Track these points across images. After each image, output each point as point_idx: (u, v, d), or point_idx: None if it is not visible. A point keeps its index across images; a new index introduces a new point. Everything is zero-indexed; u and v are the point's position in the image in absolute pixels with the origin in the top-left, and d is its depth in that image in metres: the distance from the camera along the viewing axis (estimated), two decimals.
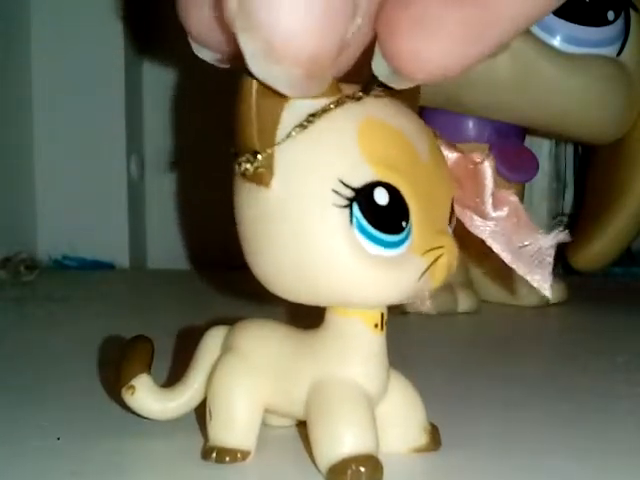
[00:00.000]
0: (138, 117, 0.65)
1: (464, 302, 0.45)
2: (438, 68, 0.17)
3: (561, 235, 0.20)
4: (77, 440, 0.23)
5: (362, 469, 0.19)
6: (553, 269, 0.20)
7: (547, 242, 0.20)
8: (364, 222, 0.18)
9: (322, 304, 0.20)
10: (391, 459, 0.21)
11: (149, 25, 0.64)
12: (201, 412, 0.23)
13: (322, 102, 0.18)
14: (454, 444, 0.23)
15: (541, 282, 0.21)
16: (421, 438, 0.22)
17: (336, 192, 0.18)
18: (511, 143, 0.47)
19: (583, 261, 0.50)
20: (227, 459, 0.21)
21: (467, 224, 0.21)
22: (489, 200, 0.20)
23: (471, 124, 0.46)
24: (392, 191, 0.18)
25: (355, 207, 0.18)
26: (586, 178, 0.57)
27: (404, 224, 0.19)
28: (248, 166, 0.18)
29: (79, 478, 0.21)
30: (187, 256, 0.66)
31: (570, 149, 0.65)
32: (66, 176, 0.63)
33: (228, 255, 0.69)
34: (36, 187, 0.63)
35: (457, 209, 0.21)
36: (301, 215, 0.18)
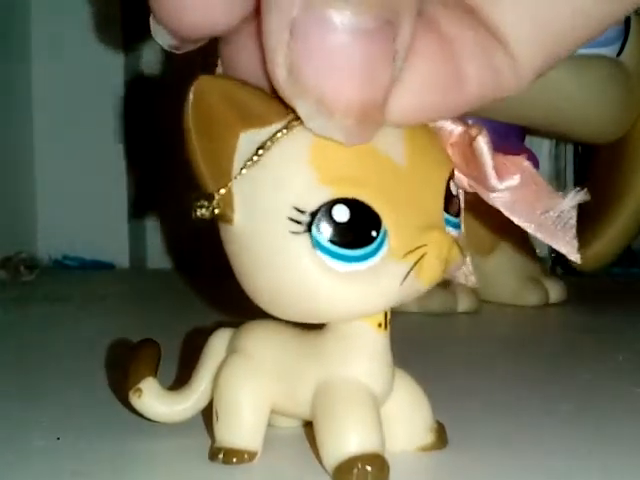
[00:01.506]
0: (138, 117, 0.65)
1: (464, 302, 0.45)
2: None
3: (580, 195, 0.20)
4: (77, 440, 0.23)
5: (368, 468, 0.19)
6: (575, 233, 0.20)
7: (568, 204, 0.20)
8: (327, 243, 0.18)
9: (315, 322, 0.20)
10: (397, 458, 0.21)
11: (149, 25, 0.64)
12: (207, 413, 0.23)
13: (272, 130, 0.18)
14: (453, 444, 0.23)
15: (567, 246, 0.20)
16: (427, 437, 0.22)
17: (293, 220, 0.18)
18: (511, 143, 0.47)
19: (583, 261, 0.50)
20: (234, 460, 0.21)
21: (485, 197, 0.20)
22: (492, 173, 0.19)
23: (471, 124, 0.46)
24: (354, 205, 0.18)
25: (315, 230, 0.18)
26: (586, 178, 0.57)
27: (374, 234, 0.18)
28: (204, 211, 0.19)
29: (79, 478, 0.21)
30: (187, 256, 0.66)
31: (570, 149, 0.65)
32: (66, 176, 0.63)
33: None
34: (36, 187, 0.63)
35: (472, 183, 0.20)
36: (266, 247, 0.19)
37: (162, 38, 0.20)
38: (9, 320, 0.43)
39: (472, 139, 0.20)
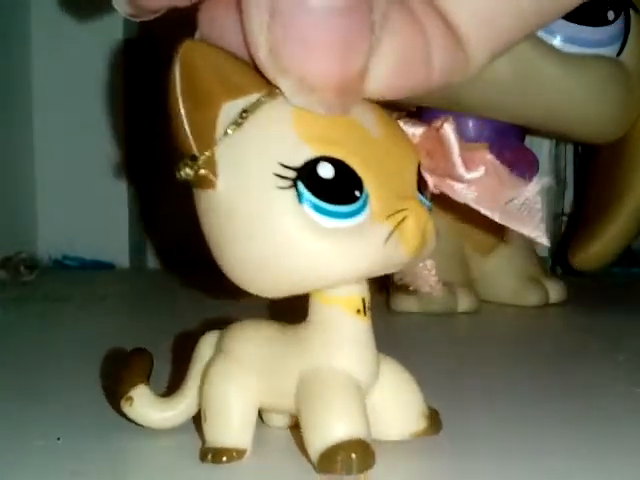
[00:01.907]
0: (138, 117, 0.65)
1: (464, 302, 0.45)
2: None
3: (543, 180, 0.20)
4: (77, 440, 0.23)
5: (353, 455, 0.19)
6: (543, 217, 0.20)
7: (532, 191, 0.20)
8: (312, 197, 0.19)
9: (292, 292, 0.20)
10: (389, 445, 0.21)
11: (149, 25, 0.64)
12: (198, 416, 0.23)
13: (254, 98, 0.19)
14: (454, 443, 0.23)
15: (535, 231, 0.21)
16: (420, 423, 0.22)
17: (279, 175, 0.19)
18: (511, 143, 0.47)
19: (583, 261, 0.50)
20: (224, 459, 0.21)
21: (450, 194, 0.21)
22: (458, 161, 0.20)
23: (471, 124, 0.46)
24: (337, 164, 0.19)
25: (300, 185, 0.19)
26: (586, 178, 0.57)
27: (357, 193, 0.19)
28: (188, 170, 0.19)
29: (79, 478, 0.21)
30: (186, 256, 0.66)
31: (570, 149, 0.65)
32: (66, 176, 0.62)
33: None
34: (36, 187, 0.63)
35: (436, 180, 0.21)
36: (250, 206, 0.19)
37: (121, 6, 0.21)
38: (9, 320, 0.43)
39: (437, 129, 0.20)
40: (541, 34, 0.44)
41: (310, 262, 0.19)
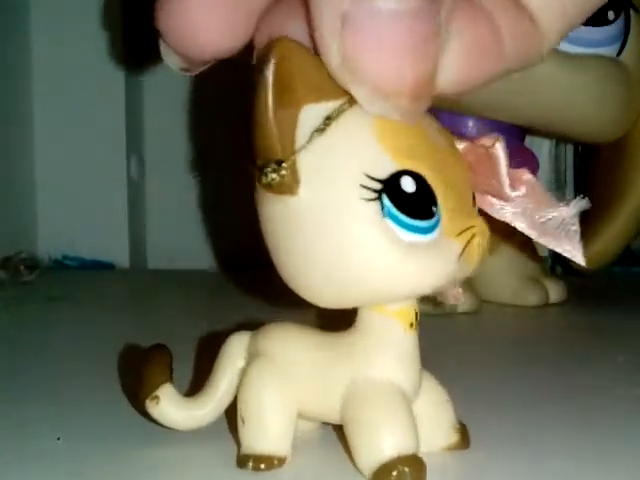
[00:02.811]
0: (138, 117, 0.65)
1: (464, 302, 0.45)
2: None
3: (581, 202, 0.21)
4: (77, 440, 0.23)
5: (406, 470, 0.19)
6: (580, 238, 0.21)
7: (569, 212, 0.21)
8: (395, 211, 0.18)
9: (357, 304, 0.20)
10: (426, 458, 0.21)
11: (150, 25, 0.64)
12: (230, 417, 0.23)
13: (335, 104, 0.19)
14: None
15: (572, 252, 0.21)
16: (452, 436, 0.22)
17: (364, 186, 0.18)
18: (511, 143, 0.47)
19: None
20: (262, 466, 0.21)
21: (488, 209, 0.21)
22: (506, 181, 0.20)
23: (471, 124, 0.46)
24: (417, 178, 0.19)
25: (385, 198, 0.18)
26: (586, 178, 0.57)
27: (434, 209, 0.19)
28: (274, 175, 0.18)
29: (79, 478, 0.21)
30: (187, 256, 0.66)
31: (570, 149, 0.65)
32: (66, 176, 0.63)
33: (228, 255, 0.69)
34: (36, 187, 0.63)
35: (476, 196, 0.21)
36: (332, 216, 0.18)
37: (172, 61, 0.20)
38: (9, 320, 0.43)
39: (487, 147, 0.20)
40: None
41: (387, 276, 0.19)
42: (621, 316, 0.45)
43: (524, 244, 0.48)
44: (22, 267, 0.55)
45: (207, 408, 0.23)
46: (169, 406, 0.22)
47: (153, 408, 0.22)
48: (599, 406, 0.27)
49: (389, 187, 0.18)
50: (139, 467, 0.22)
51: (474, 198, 0.21)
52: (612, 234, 0.49)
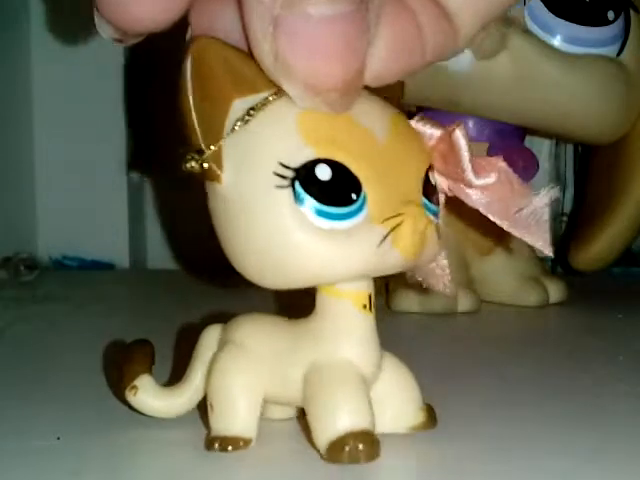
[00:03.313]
0: (138, 117, 0.65)
1: (464, 302, 0.45)
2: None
3: (552, 192, 0.21)
4: (77, 440, 0.24)
5: (360, 446, 0.20)
6: (549, 228, 0.21)
7: (541, 201, 0.21)
8: (308, 198, 0.19)
9: (294, 286, 0.21)
10: (389, 438, 0.21)
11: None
12: (202, 405, 0.23)
13: (263, 96, 0.19)
14: (453, 443, 0.23)
15: (540, 241, 0.21)
16: (418, 416, 0.23)
17: (277, 174, 0.19)
18: (511, 143, 0.47)
19: (583, 261, 0.50)
20: (229, 448, 0.22)
21: (463, 198, 0.21)
22: (468, 167, 0.21)
23: (471, 124, 0.46)
24: (336, 166, 0.19)
25: (297, 185, 0.19)
26: (586, 178, 0.57)
27: (354, 196, 0.19)
28: (193, 164, 0.20)
29: (79, 478, 0.21)
30: (187, 256, 0.66)
31: (570, 149, 0.64)
32: (66, 176, 0.62)
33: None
34: (36, 187, 0.63)
35: (451, 184, 0.21)
36: (250, 203, 0.19)
37: (105, 32, 0.21)
38: (9, 320, 0.43)
39: (450, 133, 0.21)
40: (541, 34, 0.44)
41: (304, 261, 0.19)
42: (621, 316, 0.45)
43: (523, 244, 0.48)
44: (22, 267, 0.55)
45: (184, 397, 0.24)
46: (147, 396, 0.23)
47: (131, 397, 0.23)
48: (599, 405, 0.27)
49: (302, 175, 0.19)
50: (141, 468, 0.22)
51: (432, 191, 0.21)
52: (612, 234, 0.49)
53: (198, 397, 0.24)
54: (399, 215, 0.20)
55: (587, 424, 0.25)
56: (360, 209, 0.19)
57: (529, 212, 0.21)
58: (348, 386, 0.21)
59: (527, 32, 0.44)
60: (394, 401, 0.22)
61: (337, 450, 0.20)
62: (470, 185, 0.21)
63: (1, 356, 0.35)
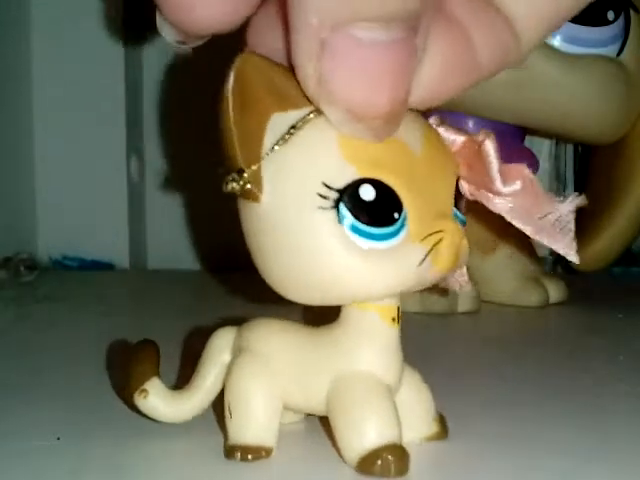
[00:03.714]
0: (138, 117, 0.65)
1: (464, 302, 0.45)
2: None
3: (578, 199, 0.21)
4: (77, 440, 0.24)
5: (390, 458, 0.20)
6: (574, 235, 0.21)
7: (566, 209, 0.21)
8: (352, 219, 0.19)
9: (329, 303, 0.21)
10: (409, 448, 0.21)
11: (150, 24, 0.64)
12: (217, 411, 0.23)
13: (301, 113, 0.19)
14: (453, 443, 0.23)
15: (566, 249, 0.21)
16: (432, 427, 0.23)
17: (321, 195, 0.19)
18: (511, 143, 0.47)
19: (583, 261, 0.50)
20: (250, 457, 0.21)
21: (486, 204, 0.21)
22: (497, 176, 0.20)
23: (471, 124, 0.46)
24: (379, 186, 0.19)
25: (342, 206, 0.19)
26: (586, 178, 0.57)
27: (396, 215, 0.19)
28: (234, 185, 0.19)
29: (79, 478, 0.21)
30: (187, 256, 0.66)
31: (570, 149, 0.65)
32: (66, 176, 0.62)
33: (228, 256, 0.69)
34: (36, 187, 0.63)
35: (472, 189, 0.21)
36: (292, 223, 0.19)
37: (168, 34, 0.21)
38: (9, 320, 0.43)
39: (479, 144, 0.21)
40: None
41: (344, 281, 0.19)
42: (621, 316, 0.45)
43: (523, 244, 0.48)
44: (22, 267, 0.55)
45: (194, 401, 0.23)
46: (157, 400, 0.23)
47: (141, 402, 0.23)
48: (599, 405, 0.27)
49: (347, 196, 0.19)
50: (141, 468, 0.22)
51: (459, 199, 0.21)
52: (612, 234, 0.49)
53: (207, 402, 0.23)
54: (438, 232, 0.20)
55: (587, 424, 0.25)
56: (401, 228, 0.19)
57: (554, 218, 0.21)
58: (377, 398, 0.20)
59: None
60: (410, 412, 0.22)
61: (369, 464, 0.20)
62: (498, 193, 0.21)
63: (1, 356, 0.35)
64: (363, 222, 0.19)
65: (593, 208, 0.55)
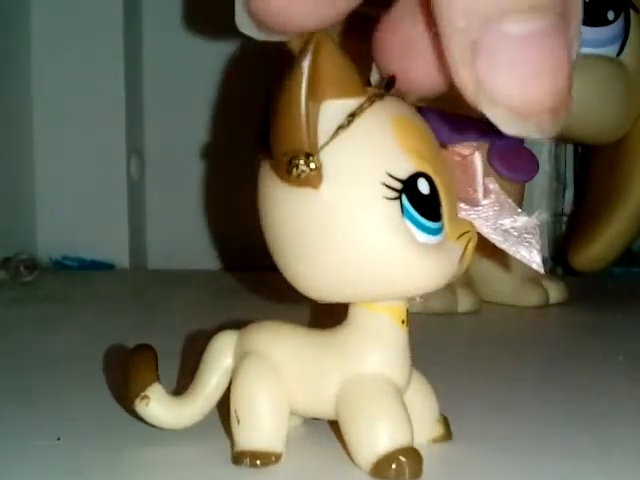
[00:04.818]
0: (138, 117, 0.65)
1: (464, 302, 0.45)
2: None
3: (542, 215, 0.21)
4: (77, 440, 0.23)
5: (405, 461, 0.20)
6: (541, 247, 0.22)
7: (530, 222, 0.21)
8: (413, 211, 0.19)
9: (358, 299, 0.21)
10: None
11: (150, 24, 0.64)
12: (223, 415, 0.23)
13: (354, 102, 0.19)
14: (453, 443, 0.23)
15: (528, 258, 0.22)
16: (436, 428, 0.23)
17: (386, 185, 0.19)
18: (511, 143, 0.47)
19: (583, 261, 0.50)
20: (259, 463, 0.21)
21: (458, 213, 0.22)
22: (480, 189, 0.21)
23: (472, 125, 0.46)
24: (430, 181, 0.19)
25: (404, 198, 0.19)
26: (586, 178, 0.57)
27: (441, 211, 0.20)
28: (304, 168, 0.18)
29: (79, 478, 0.21)
30: (187, 256, 0.66)
31: (570, 149, 0.65)
32: (66, 176, 0.62)
33: (228, 256, 0.69)
34: (36, 187, 0.63)
35: None
36: (353, 213, 0.19)
37: (249, 29, 0.20)
38: (9, 320, 0.43)
39: (464, 157, 0.21)
40: None
41: (402, 275, 0.19)
42: (621, 316, 0.45)
43: None
44: (22, 267, 0.55)
45: (196, 407, 0.23)
46: (159, 406, 0.22)
47: (143, 408, 0.22)
48: (599, 405, 0.27)
49: (408, 187, 0.19)
50: (140, 467, 0.22)
51: None
52: (612, 235, 0.49)
53: (209, 407, 0.23)
54: (467, 233, 0.20)
55: (587, 424, 0.25)
56: (443, 225, 0.20)
57: (519, 230, 0.21)
58: (389, 401, 0.20)
59: None
60: (416, 414, 0.22)
61: (383, 468, 0.20)
62: (476, 204, 0.21)
63: (1, 356, 0.35)
64: (422, 215, 0.19)
65: (593, 208, 0.56)
